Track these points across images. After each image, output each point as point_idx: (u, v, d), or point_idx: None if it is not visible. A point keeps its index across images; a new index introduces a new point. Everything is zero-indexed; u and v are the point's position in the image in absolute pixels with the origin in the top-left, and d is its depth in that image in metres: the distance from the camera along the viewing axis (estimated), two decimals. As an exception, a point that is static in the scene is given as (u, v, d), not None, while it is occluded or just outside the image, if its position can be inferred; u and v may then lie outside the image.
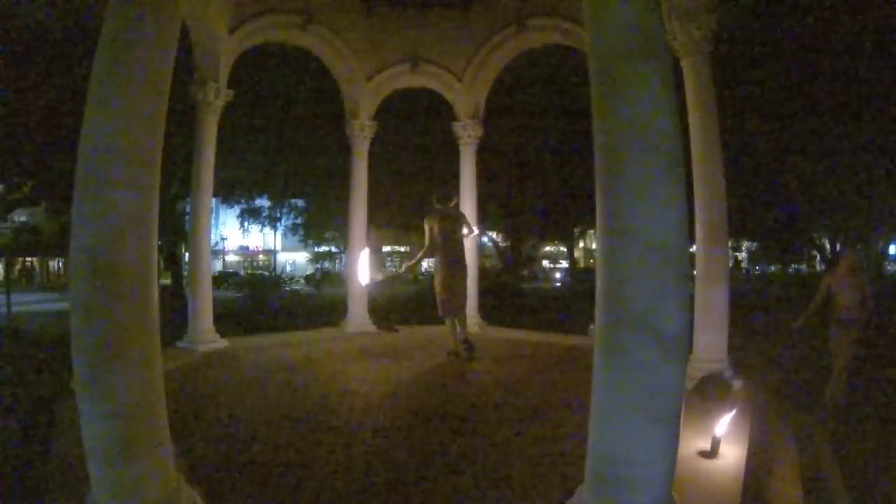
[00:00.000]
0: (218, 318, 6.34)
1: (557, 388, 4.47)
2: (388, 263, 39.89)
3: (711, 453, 2.93)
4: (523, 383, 4.65)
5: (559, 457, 2.95)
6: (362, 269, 6.29)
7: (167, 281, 14.32)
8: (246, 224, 23.25)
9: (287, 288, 18.09)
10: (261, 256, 42.50)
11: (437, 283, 5.64)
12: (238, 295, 14.43)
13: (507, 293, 16.18)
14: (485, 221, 16.16)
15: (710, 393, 3.98)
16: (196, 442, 3.16)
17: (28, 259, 31.52)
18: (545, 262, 41.90)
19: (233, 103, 6.29)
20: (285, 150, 13.40)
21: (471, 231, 5.97)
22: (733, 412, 3.23)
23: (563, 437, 3.25)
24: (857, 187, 12.59)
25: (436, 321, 6.33)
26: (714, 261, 4.50)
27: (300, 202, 21.19)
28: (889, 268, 28.91)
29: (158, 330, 2.14)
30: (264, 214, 22.39)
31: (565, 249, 24.81)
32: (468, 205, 7.65)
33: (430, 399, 4.15)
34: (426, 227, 5.59)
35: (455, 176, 7.87)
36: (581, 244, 34.60)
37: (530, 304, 15.29)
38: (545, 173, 14.28)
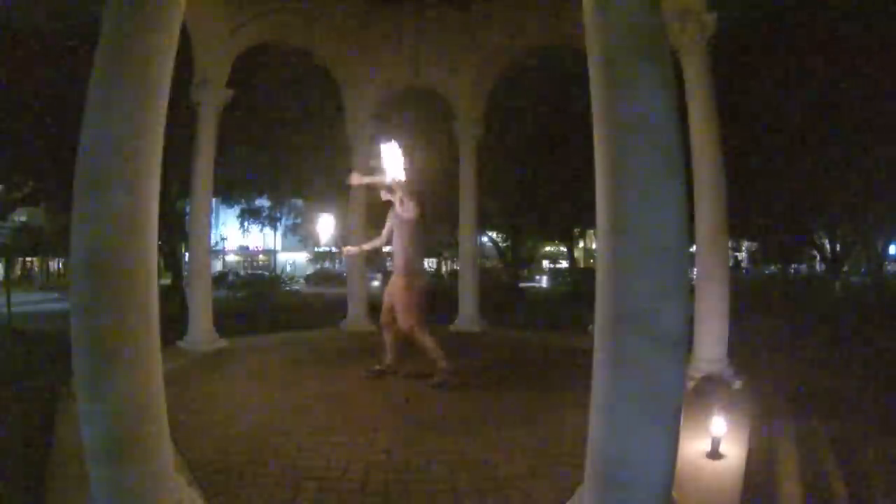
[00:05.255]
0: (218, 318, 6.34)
1: (556, 387, 4.47)
2: (388, 263, 39.91)
3: (711, 453, 2.93)
4: (523, 383, 4.65)
5: (558, 457, 2.95)
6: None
7: (167, 281, 14.30)
8: (246, 224, 23.24)
9: (288, 288, 18.16)
10: (261, 256, 42.51)
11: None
12: (237, 295, 14.44)
13: (506, 293, 16.21)
14: (485, 221, 16.18)
15: (710, 393, 3.98)
16: (196, 441, 3.16)
17: (28, 259, 31.55)
18: (545, 262, 41.87)
19: (233, 103, 6.28)
20: (285, 150, 13.40)
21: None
22: (733, 412, 3.23)
23: (562, 437, 3.25)
24: (858, 187, 12.59)
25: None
26: (714, 261, 4.50)
27: (300, 202, 21.18)
28: (890, 268, 28.90)
29: (158, 330, 2.14)
30: (264, 214, 22.38)
31: (565, 249, 24.81)
32: (469, 204, 7.66)
33: (430, 399, 4.15)
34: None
35: (455, 175, 7.87)
36: (581, 244, 34.59)
37: (530, 304, 15.31)
38: (545, 173, 14.28)
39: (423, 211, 4.45)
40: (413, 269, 4.48)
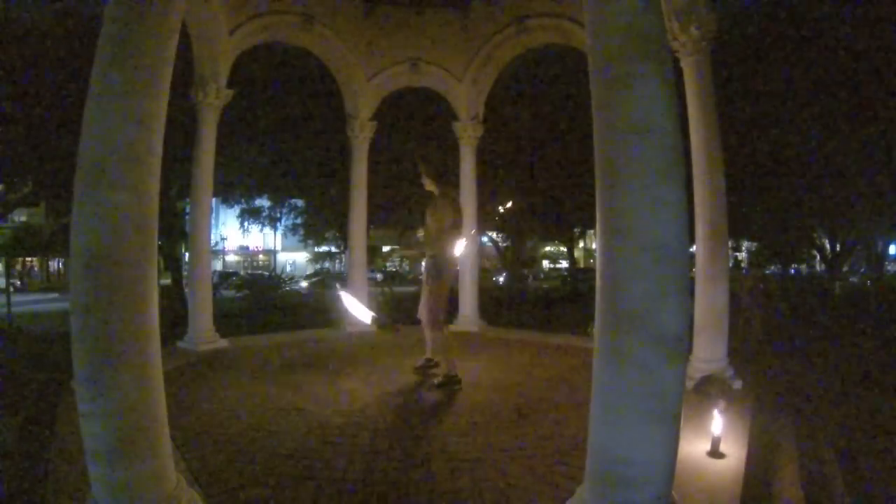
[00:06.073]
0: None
1: (557, 388, 4.47)
2: (389, 263, 39.92)
3: (711, 453, 2.94)
4: (523, 383, 4.65)
5: (558, 457, 2.95)
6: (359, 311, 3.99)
7: (167, 281, 14.29)
8: (246, 224, 23.22)
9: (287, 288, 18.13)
10: (261, 256, 42.54)
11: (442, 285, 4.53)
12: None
13: (506, 294, 16.20)
14: (484, 221, 16.17)
15: (710, 393, 3.98)
16: (196, 442, 3.16)
17: (28, 259, 31.58)
18: (545, 262, 41.90)
19: (233, 103, 6.28)
20: (285, 151, 13.41)
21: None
22: (733, 412, 3.23)
23: (563, 437, 3.25)
24: (857, 187, 12.59)
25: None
26: (714, 261, 4.50)
27: (300, 202, 21.17)
28: (889, 268, 28.89)
29: (158, 330, 2.14)
30: (264, 214, 22.37)
31: (565, 249, 24.80)
32: (469, 204, 7.65)
33: (430, 399, 4.15)
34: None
35: (455, 175, 7.87)
36: (581, 244, 34.58)
37: (530, 304, 15.31)
38: (545, 173, 14.28)
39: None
40: None
